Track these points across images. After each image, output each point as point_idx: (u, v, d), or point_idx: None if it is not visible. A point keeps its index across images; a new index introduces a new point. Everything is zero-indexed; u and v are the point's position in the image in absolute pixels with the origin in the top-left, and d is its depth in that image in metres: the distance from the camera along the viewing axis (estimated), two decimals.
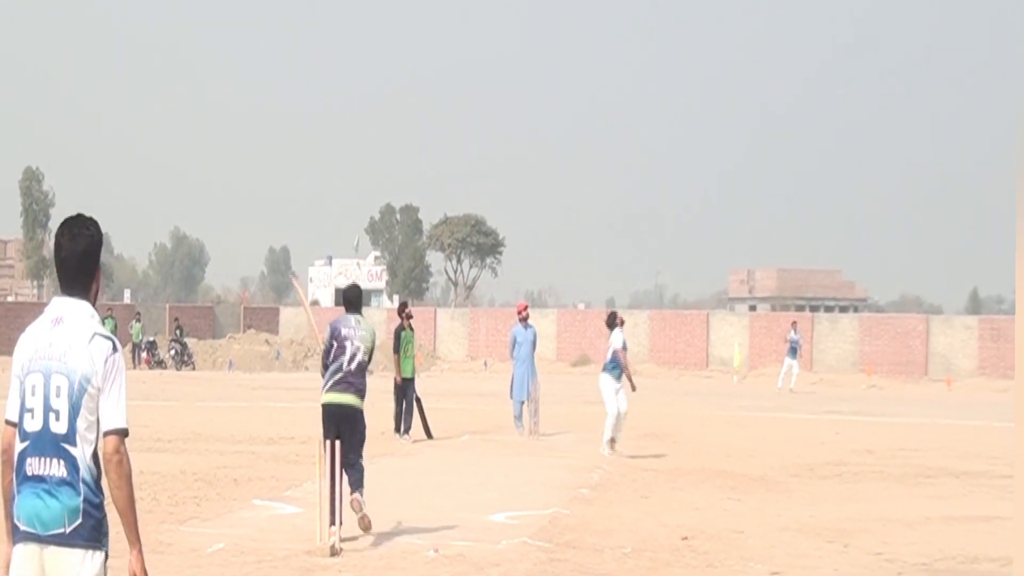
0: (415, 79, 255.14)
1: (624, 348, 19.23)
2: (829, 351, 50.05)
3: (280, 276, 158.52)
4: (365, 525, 11.52)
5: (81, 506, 4.72)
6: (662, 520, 13.17)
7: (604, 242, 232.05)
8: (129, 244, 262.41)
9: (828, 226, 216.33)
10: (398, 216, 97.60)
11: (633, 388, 19.22)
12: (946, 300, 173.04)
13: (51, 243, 7.11)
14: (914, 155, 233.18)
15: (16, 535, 4.78)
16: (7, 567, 4.82)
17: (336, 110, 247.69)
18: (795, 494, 15.60)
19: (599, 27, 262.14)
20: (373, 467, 15.74)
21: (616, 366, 19.03)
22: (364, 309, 15.83)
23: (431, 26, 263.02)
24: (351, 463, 11.51)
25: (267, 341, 52.24)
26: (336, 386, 11.60)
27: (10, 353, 5.11)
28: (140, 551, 4.79)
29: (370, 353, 11.78)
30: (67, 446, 4.73)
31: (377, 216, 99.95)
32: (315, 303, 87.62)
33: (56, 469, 4.73)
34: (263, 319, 61.59)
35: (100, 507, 4.77)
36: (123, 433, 4.76)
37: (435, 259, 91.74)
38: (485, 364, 52.34)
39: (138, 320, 51.15)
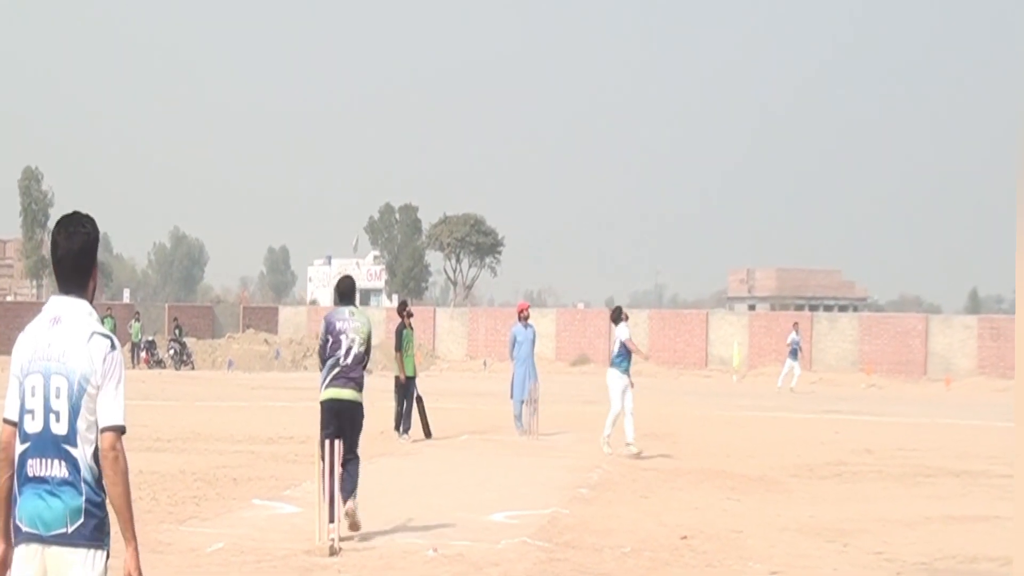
0: (415, 79, 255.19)
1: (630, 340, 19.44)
2: (828, 351, 50.06)
3: (279, 276, 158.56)
4: (354, 525, 11.52)
5: (83, 506, 4.73)
6: (661, 520, 13.17)
7: (603, 242, 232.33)
8: (128, 244, 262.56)
9: (828, 226, 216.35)
10: (397, 216, 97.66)
11: (646, 357, 22.17)
12: (945, 300, 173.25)
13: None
14: (914, 155, 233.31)
15: (18, 536, 4.79)
16: (8, 567, 4.82)
17: (335, 110, 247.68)
18: (794, 494, 15.60)
19: (599, 27, 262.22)
20: (372, 467, 15.75)
21: (624, 359, 19.14)
22: (364, 309, 15.81)
23: (431, 26, 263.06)
24: (349, 458, 11.53)
25: (266, 341, 52.24)
26: (335, 381, 11.62)
27: (9, 353, 5.10)
28: (135, 549, 4.79)
29: (367, 343, 11.77)
30: (68, 447, 4.73)
31: (376, 216, 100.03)
32: (314, 302, 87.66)
33: (57, 470, 4.73)
34: (262, 319, 61.61)
35: (102, 507, 4.77)
36: (120, 430, 4.76)
37: (434, 259, 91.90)
38: (485, 364, 52.33)
39: (137, 320, 51.15)
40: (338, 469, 11.17)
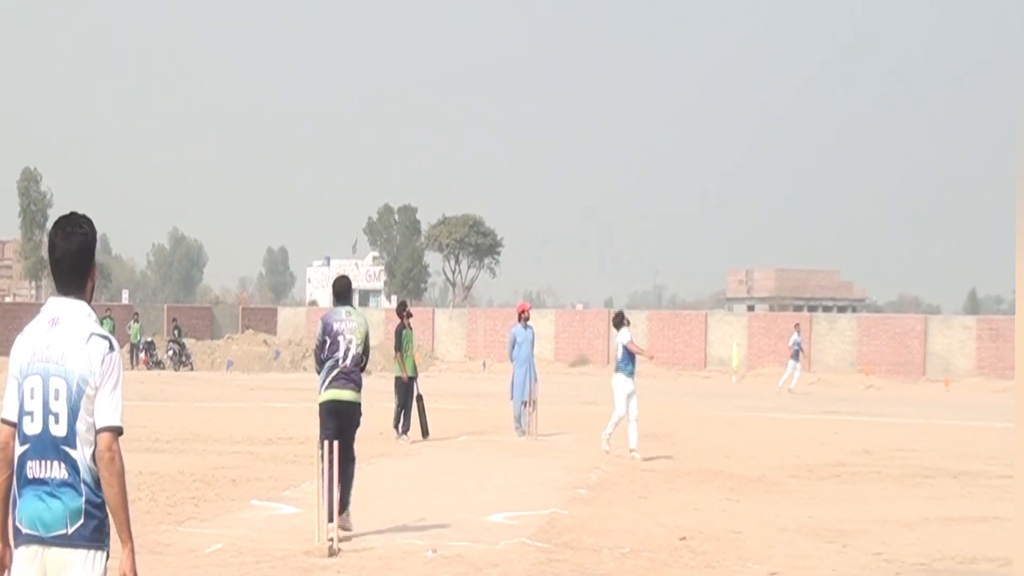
0: (414, 79, 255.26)
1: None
2: (827, 351, 50.05)
3: (278, 277, 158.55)
4: (344, 526, 11.53)
5: (83, 507, 4.73)
6: (660, 520, 13.17)
7: (602, 242, 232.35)
8: (127, 245, 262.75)
9: (827, 226, 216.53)
10: (396, 216, 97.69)
11: (651, 357, 22.69)
12: (944, 300, 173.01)
13: None
14: (913, 155, 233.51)
15: (18, 538, 4.79)
16: (8, 569, 4.83)
17: (335, 110, 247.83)
18: (793, 495, 15.60)
19: (599, 27, 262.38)
20: (371, 467, 15.76)
21: (629, 363, 19.09)
22: (363, 310, 15.80)
23: (431, 26, 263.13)
24: (347, 459, 11.54)
25: (265, 341, 52.23)
26: (335, 382, 11.64)
27: (8, 354, 5.10)
28: (132, 550, 4.79)
29: (364, 344, 11.77)
30: (67, 448, 4.73)
31: (375, 216, 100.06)
32: (313, 303, 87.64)
33: (57, 471, 4.73)
34: (261, 319, 61.62)
35: (102, 508, 4.77)
36: (117, 431, 4.76)
37: (433, 259, 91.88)
38: (484, 365, 52.30)
39: (136, 321, 51.12)
40: (336, 469, 11.18)
